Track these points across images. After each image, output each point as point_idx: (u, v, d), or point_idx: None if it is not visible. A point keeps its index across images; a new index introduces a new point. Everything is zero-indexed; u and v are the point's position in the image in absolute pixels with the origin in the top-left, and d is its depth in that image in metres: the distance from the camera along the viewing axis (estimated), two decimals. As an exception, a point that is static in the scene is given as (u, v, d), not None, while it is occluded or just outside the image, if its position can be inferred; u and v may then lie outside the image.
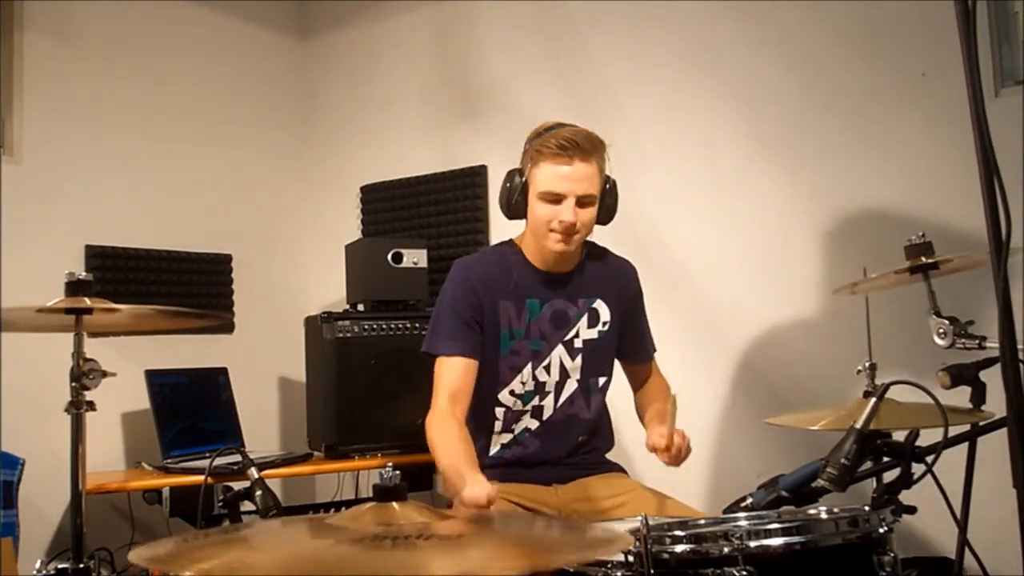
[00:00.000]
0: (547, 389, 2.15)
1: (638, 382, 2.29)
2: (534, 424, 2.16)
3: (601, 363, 2.20)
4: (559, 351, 2.15)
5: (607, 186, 2.09)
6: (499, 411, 2.15)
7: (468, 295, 2.12)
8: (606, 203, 2.10)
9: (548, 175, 2.01)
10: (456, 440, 1.96)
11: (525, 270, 2.16)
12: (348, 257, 3.23)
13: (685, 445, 1.94)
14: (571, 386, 2.17)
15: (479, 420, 2.15)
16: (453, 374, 2.07)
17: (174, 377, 2.99)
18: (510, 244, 2.22)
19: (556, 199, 2.02)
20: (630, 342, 2.25)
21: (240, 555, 1.01)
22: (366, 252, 3.13)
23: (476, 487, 1.76)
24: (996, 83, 2.47)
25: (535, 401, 2.15)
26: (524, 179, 2.07)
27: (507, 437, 2.17)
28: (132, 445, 3.07)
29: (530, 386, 2.14)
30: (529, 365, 2.14)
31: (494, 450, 2.17)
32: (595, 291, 2.20)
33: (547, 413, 2.16)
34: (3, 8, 2.96)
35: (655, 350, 2.31)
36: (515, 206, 2.10)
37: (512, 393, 2.14)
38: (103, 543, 2.55)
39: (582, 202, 2.02)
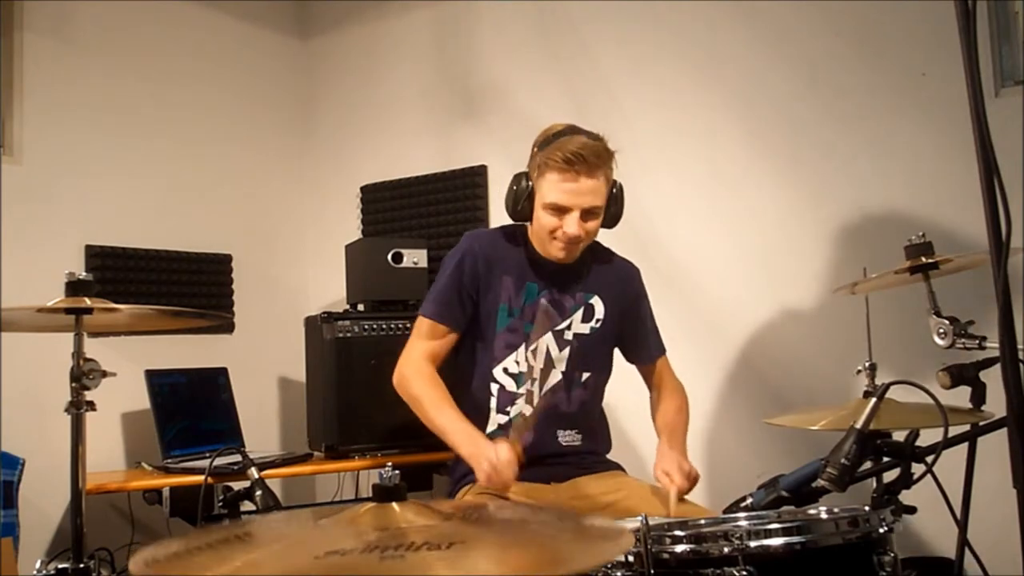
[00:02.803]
0: (534, 375, 2.17)
1: (648, 383, 2.32)
2: (528, 410, 2.16)
3: (589, 359, 2.20)
4: (548, 339, 2.17)
5: (613, 191, 2.10)
6: (494, 387, 2.17)
7: (471, 265, 2.16)
8: (611, 210, 2.11)
9: (553, 188, 2.03)
10: (444, 397, 2.07)
11: (530, 253, 2.19)
12: (348, 257, 3.23)
13: (691, 482, 2.01)
14: (554, 376, 2.18)
15: (476, 396, 2.18)
16: (434, 338, 2.15)
17: (174, 377, 2.99)
18: (521, 227, 2.23)
19: (561, 211, 2.04)
20: (631, 342, 2.28)
21: (239, 565, 1.01)
22: (366, 252, 3.13)
23: (495, 452, 1.87)
24: (996, 83, 2.47)
25: (527, 385, 2.17)
26: (530, 185, 2.10)
27: (503, 419, 2.17)
28: (132, 445, 3.07)
29: (523, 367, 2.16)
30: (523, 346, 2.16)
31: (490, 428, 2.17)
32: (593, 287, 2.21)
33: (535, 399, 2.17)
34: (3, 8, 2.96)
35: (663, 351, 2.31)
36: (520, 211, 2.13)
37: (506, 371, 2.16)
38: (103, 543, 2.55)
39: (587, 215, 2.05)
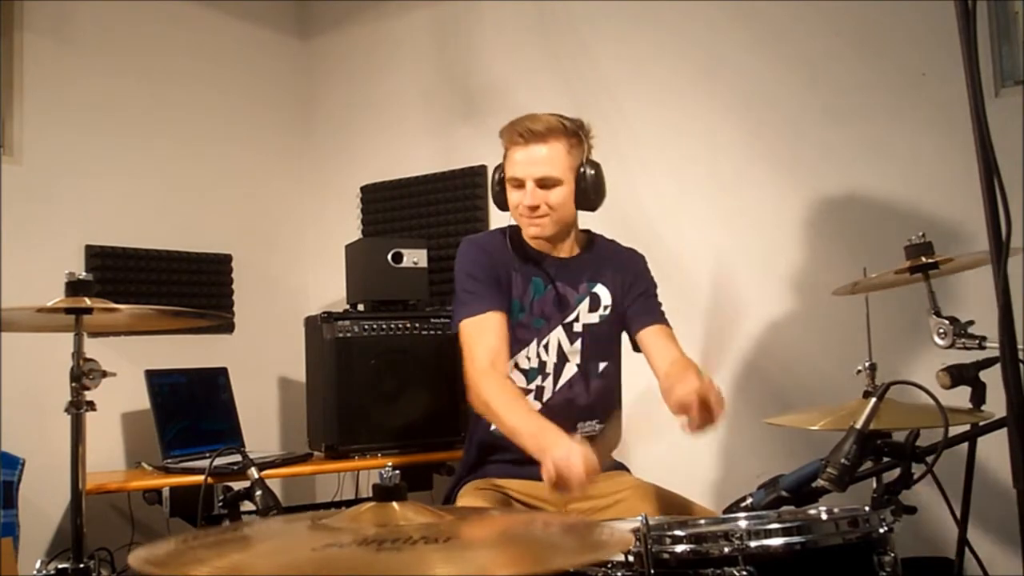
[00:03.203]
0: (547, 370, 2.16)
1: (656, 353, 2.13)
2: (536, 406, 2.15)
3: (602, 348, 2.19)
4: (558, 332, 2.17)
5: (583, 170, 2.11)
6: None
7: (481, 260, 2.17)
8: (583, 187, 2.11)
9: (509, 161, 2.11)
10: (515, 397, 1.97)
11: (530, 250, 2.20)
12: (348, 257, 3.23)
13: (716, 396, 1.75)
14: (570, 370, 2.17)
15: None
16: (486, 331, 2.05)
17: (174, 377, 2.99)
18: (515, 227, 2.23)
19: (519, 184, 2.09)
20: (635, 306, 2.19)
21: (239, 559, 1.01)
22: (366, 252, 3.13)
23: (564, 451, 1.65)
24: (996, 83, 2.47)
25: (538, 381, 2.16)
26: (502, 172, 2.16)
27: None
28: (132, 445, 3.07)
29: (535, 363, 2.16)
30: (534, 342, 2.16)
31: (495, 425, 2.15)
32: (597, 276, 2.21)
33: (547, 395, 2.16)
34: (3, 8, 2.96)
35: (668, 324, 2.20)
36: (497, 196, 2.18)
37: (517, 367, 2.15)
38: (103, 543, 2.55)
39: (544, 184, 2.08)
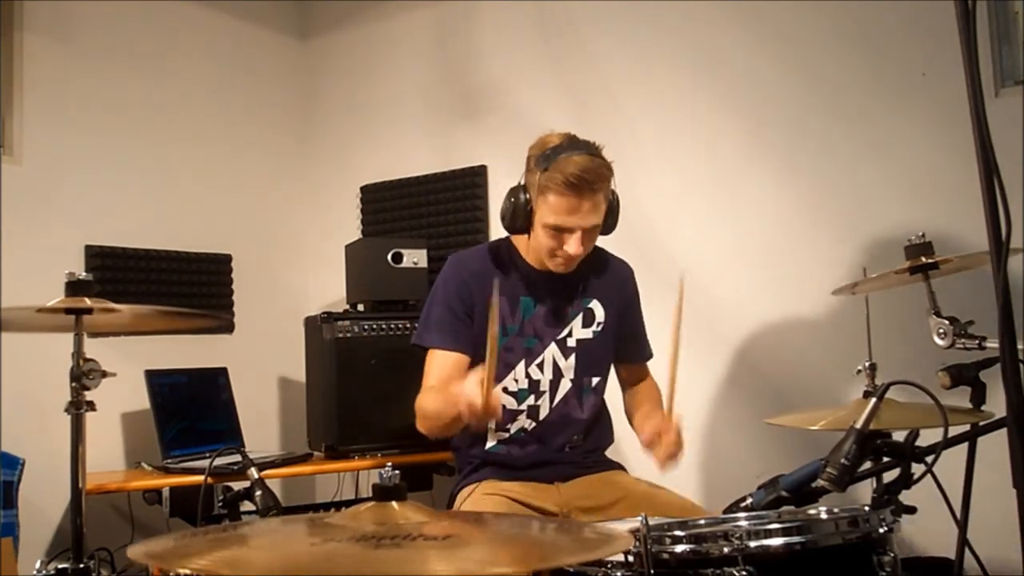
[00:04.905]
0: (542, 388, 2.16)
1: (631, 382, 2.30)
2: (530, 424, 2.16)
3: (595, 363, 2.20)
4: (552, 349, 2.16)
5: (611, 201, 2.07)
6: None
7: (460, 289, 2.13)
8: (608, 220, 2.08)
9: (555, 211, 1.99)
10: (439, 395, 2.00)
11: (520, 268, 2.17)
12: (348, 257, 3.23)
13: (678, 436, 1.95)
14: (565, 386, 2.17)
15: None
16: (444, 366, 2.08)
17: (174, 377, 2.99)
18: (507, 241, 2.22)
19: (562, 231, 2.01)
20: (629, 343, 2.27)
21: (238, 553, 1.01)
22: (366, 252, 3.13)
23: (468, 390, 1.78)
24: (996, 83, 2.47)
25: (530, 400, 2.15)
26: (528, 201, 2.05)
27: (503, 435, 2.17)
28: (132, 445, 3.07)
29: (524, 384, 2.15)
30: (522, 363, 2.15)
31: (490, 444, 2.17)
32: (591, 291, 2.21)
33: (543, 413, 2.16)
34: (3, 8, 2.96)
35: (652, 355, 2.32)
36: (520, 224, 2.08)
37: (506, 391, 2.14)
38: (103, 543, 2.55)
39: (587, 232, 2.03)
